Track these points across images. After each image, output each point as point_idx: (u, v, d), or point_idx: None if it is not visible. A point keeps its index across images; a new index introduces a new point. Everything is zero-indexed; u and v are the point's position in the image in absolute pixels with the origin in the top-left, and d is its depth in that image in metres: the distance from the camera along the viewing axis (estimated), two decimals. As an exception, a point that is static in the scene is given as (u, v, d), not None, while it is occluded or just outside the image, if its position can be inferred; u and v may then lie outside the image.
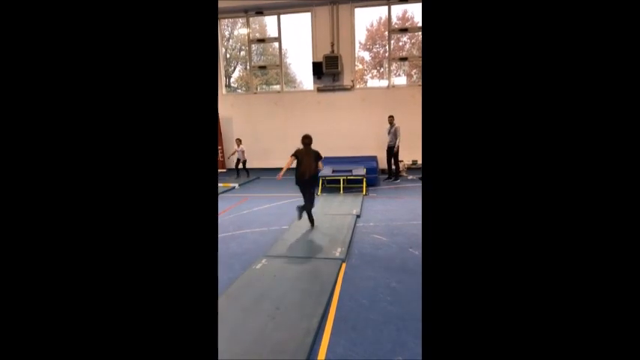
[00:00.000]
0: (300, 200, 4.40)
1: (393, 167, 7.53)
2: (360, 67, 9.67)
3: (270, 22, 9.52)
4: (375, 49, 9.70)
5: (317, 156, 4.12)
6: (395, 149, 7.28)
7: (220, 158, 9.50)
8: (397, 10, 8.89)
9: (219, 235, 4.22)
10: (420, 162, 8.74)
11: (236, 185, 7.32)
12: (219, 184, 7.33)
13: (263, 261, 3.27)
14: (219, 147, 9.44)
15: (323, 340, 2.10)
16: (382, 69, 9.54)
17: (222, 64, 9.65)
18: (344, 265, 3.19)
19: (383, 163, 8.31)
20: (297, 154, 4.09)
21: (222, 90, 9.63)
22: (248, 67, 9.72)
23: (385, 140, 7.53)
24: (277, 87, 9.67)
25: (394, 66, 9.15)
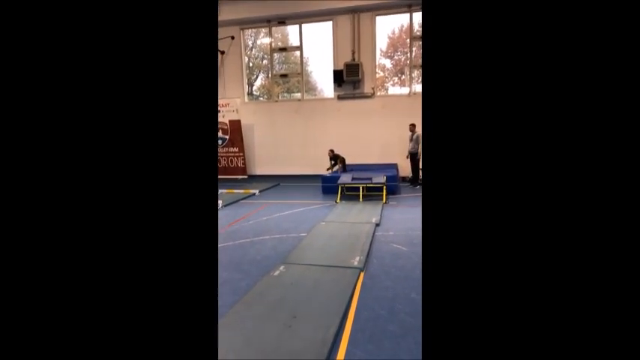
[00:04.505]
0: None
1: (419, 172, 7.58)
2: (381, 74, 9.64)
3: (292, 31, 9.67)
4: (396, 57, 9.66)
5: None
6: (417, 156, 7.37)
7: (242, 165, 9.65)
8: (419, 17, 8.83)
9: (238, 242, 4.26)
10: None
11: (256, 192, 7.41)
12: (240, 191, 7.43)
13: (281, 268, 3.27)
14: (241, 154, 9.60)
15: (339, 350, 2.06)
16: (403, 76, 9.48)
17: (244, 72, 9.85)
18: (362, 274, 3.15)
19: (403, 171, 8.21)
20: None
21: (244, 98, 9.82)
22: (270, 76, 9.88)
23: (406, 147, 7.61)
24: (298, 95, 9.77)
25: (415, 73, 9.07)
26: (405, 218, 5.10)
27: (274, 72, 9.79)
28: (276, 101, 9.80)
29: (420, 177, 7.97)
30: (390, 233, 4.40)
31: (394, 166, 8.21)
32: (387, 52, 9.58)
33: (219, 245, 4.12)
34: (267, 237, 4.41)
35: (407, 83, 9.22)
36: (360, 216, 5.21)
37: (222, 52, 9.57)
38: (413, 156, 7.59)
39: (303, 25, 9.23)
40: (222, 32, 9.34)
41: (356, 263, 3.33)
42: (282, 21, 9.22)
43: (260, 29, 9.82)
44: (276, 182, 8.66)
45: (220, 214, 5.70)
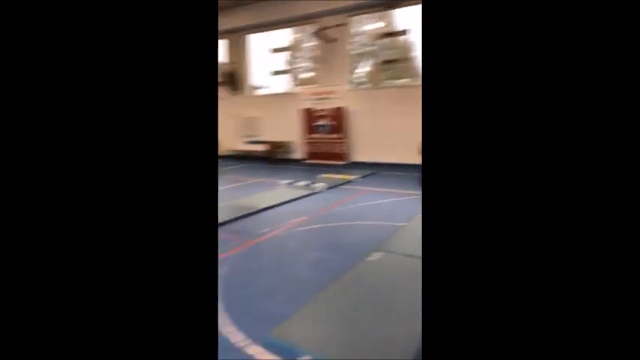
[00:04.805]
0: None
1: None
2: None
3: (398, 15, 9.33)
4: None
5: None
6: None
7: (340, 151, 9.87)
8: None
9: (336, 224, 4.44)
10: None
11: (356, 177, 7.53)
12: (339, 176, 7.65)
13: (377, 254, 3.31)
14: (343, 140, 9.81)
15: (433, 345, 2.02)
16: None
17: (350, 59, 9.95)
18: (462, 272, 2.98)
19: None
20: None
21: (349, 85, 9.95)
22: (375, 62, 9.77)
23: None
24: (402, 81, 9.47)
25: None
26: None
27: (380, 58, 9.65)
28: (380, 88, 9.67)
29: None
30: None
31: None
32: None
33: (318, 226, 4.37)
34: (364, 222, 4.48)
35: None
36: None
37: (335, 40, 9.74)
38: None
39: (411, 8, 8.82)
40: (331, 21, 9.55)
41: (456, 260, 3.17)
42: (391, 5, 8.96)
43: (365, 16, 9.74)
44: (375, 170, 8.65)
45: (321, 196, 5.99)
